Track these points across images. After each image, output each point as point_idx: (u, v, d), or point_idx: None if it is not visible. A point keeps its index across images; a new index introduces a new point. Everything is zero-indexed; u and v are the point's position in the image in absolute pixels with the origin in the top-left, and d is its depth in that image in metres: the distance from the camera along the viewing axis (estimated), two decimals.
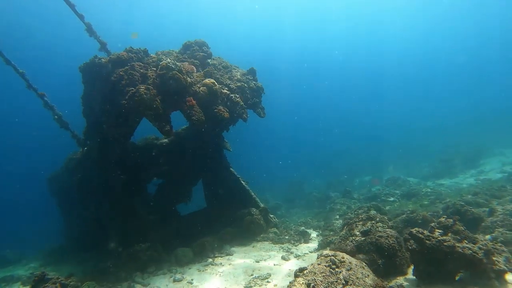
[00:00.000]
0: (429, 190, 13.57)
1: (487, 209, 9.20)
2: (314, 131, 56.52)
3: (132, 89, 7.87)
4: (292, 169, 35.29)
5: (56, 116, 10.70)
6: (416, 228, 6.09)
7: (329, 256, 5.29)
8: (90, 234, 12.16)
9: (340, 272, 4.98)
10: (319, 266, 5.17)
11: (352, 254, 6.80)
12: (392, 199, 13.29)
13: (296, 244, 9.63)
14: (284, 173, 32.93)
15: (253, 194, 12.20)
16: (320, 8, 53.22)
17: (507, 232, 7.44)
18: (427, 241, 5.78)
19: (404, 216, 8.85)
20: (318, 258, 5.50)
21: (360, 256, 6.61)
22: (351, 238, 7.16)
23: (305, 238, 9.91)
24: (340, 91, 66.47)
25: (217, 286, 6.98)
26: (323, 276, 4.89)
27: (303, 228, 12.00)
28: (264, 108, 11.22)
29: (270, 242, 9.85)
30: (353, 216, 8.90)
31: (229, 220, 10.84)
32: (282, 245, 9.52)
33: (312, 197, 19.52)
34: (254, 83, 10.97)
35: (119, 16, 45.24)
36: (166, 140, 12.73)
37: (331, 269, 5.03)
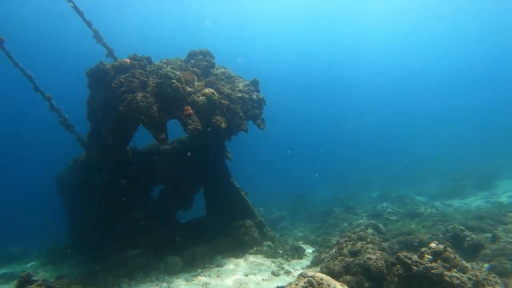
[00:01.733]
0: (434, 210, 13.14)
1: (490, 235, 8.83)
2: (325, 144, 56.03)
3: (130, 96, 7.97)
4: (301, 181, 35.02)
5: (61, 119, 10.95)
6: (404, 252, 5.89)
7: (308, 277, 5.14)
8: (89, 235, 12.28)
9: None
10: (296, 286, 5.03)
11: (339, 275, 6.61)
12: (394, 218, 12.91)
13: (289, 259, 9.46)
14: (293, 184, 32.67)
15: (251, 205, 12.11)
16: (343, 13, 52.89)
17: (507, 261, 7.10)
18: (414, 267, 5.57)
19: (401, 237, 8.57)
20: (297, 277, 5.36)
21: (347, 277, 6.40)
22: (339, 258, 6.95)
23: (299, 253, 9.73)
24: (356, 104, 65.81)
25: None
26: None
27: (300, 242, 11.84)
28: (264, 120, 11.17)
29: (263, 256, 9.70)
30: (348, 233, 8.69)
31: (225, 231, 10.75)
32: (275, 260, 9.37)
33: (316, 210, 19.25)
34: (256, 95, 10.96)
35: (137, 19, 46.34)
36: (168, 147, 12.84)
37: None
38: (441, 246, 5.90)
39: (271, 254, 9.72)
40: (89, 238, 12.19)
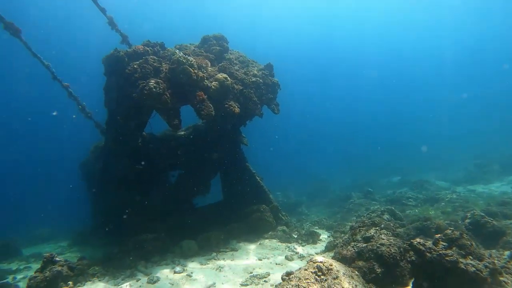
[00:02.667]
0: (454, 196, 12.77)
1: None
2: (348, 129, 55.14)
3: (143, 83, 8.03)
4: (321, 167, 34.83)
5: (80, 106, 11.21)
6: (418, 239, 5.75)
7: (317, 262, 5.12)
8: (110, 219, 12.71)
9: (325, 280, 4.81)
10: (305, 272, 5.02)
11: (352, 260, 6.57)
12: (413, 203, 12.64)
13: (304, 244, 9.47)
14: (312, 170, 32.54)
15: (267, 190, 12.13)
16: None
17: None
18: (427, 254, 5.43)
19: (417, 223, 8.39)
20: (307, 263, 5.36)
21: (360, 263, 6.36)
22: (352, 243, 6.89)
23: (314, 238, 9.71)
24: (379, 89, 64.08)
25: (214, 281, 7.03)
26: (307, 282, 4.76)
27: (316, 227, 11.82)
28: (278, 104, 11.05)
29: (278, 241, 9.75)
30: (363, 219, 8.59)
31: (240, 215, 10.86)
32: (289, 245, 9.40)
33: (334, 196, 19.15)
34: (270, 79, 10.81)
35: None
36: (184, 132, 12.96)
37: (316, 276, 4.88)
38: (457, 233, 5.72)
39: (285, 239, 9.76)
40: (110, 222, 12.64)
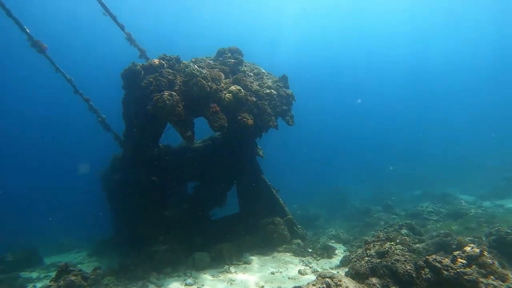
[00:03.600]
0: (479, 211, 12.16)
1: None
2: (369, 140, 54.12)
3: (158, 95, 8.20)
4: (341, 178, 34.22)
5: (99, 119, 11.56)
6: (434, 255, 5.49)
7: (326, 277, 4.98)
8: (128, 230, 12.90)
9: None
10: (313, 287, 4.88)
11: (365, 276, 6.34)
12: (435, 218, 12.12)
13: (318, 258, 9.25)
14: (333, 181, 31.99)
15: (282, 203, 12.00)
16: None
17: None
18: (444, 272, 5.18)
19: (437, 239, 8.03)
20: (316, 278, 5.21)
21: (373, 279, 6.11)
22: (366, 258, 6.65)
23: (329, 252, 9.48)
24: (401, 99, 62.81)
25: None
26: None
27: (332, 241, 11.57)
28: (293, 116, 10.99)
29: (292, 254, 9.57)
30: (378, 233, 8.31)
31: (254, 228, 10.76)
32: (303, 258, 9.21)
33: (354, 209, 18.70)
34: (284, 90, 10.80)
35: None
36: (201, 144, 13.09)
37: None
38: (477, 250, 5.42)
39: (300, 253, 9.57)
40: (128, 233, 12.82)
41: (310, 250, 9.74)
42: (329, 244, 10.57)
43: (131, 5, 41.36)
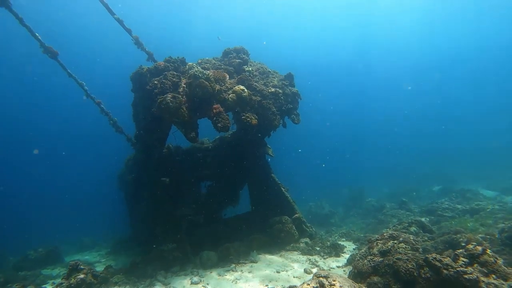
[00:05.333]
0: (497, 207, 11.70)
1: None
2: (389, 136, 53.02)
3: (162, 97, 8.35)
4: (359, 175, 33.77)
5: (111, 121, 11.89)
6: (434, 254, 5.36)
7: (320, 277, 4.96)
8: (142, 229, 13.24)
9: None
10: (307, 286, 4.89)
11: (367, 275, 6.28)
12: (450, 214, 11.76)
13: (326, 257, 9.19)
14: (350, 179, 31.62)
15: (292, 201, 11.96)
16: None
17: None
18: (444, 271, 5.06)
19: (446, 236, 7.81)
20: (312, 277, 5.20)
21: (375, 278, 6.05)
22: (369, 257, 6.57)
23: (337, 251, 9.39)
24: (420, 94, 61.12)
25: None
26: None
27: (343, 239, 11.48)
28: (299, 114, 10.92)
29: (299, 253, 9.55)
30: (384, 232, 8.17)
31: (263, 227, 10.81)
32: (311, 257, 9.17)
33: (369, 206, 18.41)
34: (289, 89, 10.75)
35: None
36: (211, 144, 13.24)
37: None
38: (479, 248, 5.26)
39: (307, 251, 9.53)
40: (142, 232, 13.16)
41: (318, 249, 9.68)
42: (339, 242, 10.48)
43: (145, 7, 42.23)
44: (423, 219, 11.11)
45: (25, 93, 46.36)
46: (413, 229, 8.74)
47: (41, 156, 44.58)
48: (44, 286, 10.22)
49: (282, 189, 12.29)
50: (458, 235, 7.58)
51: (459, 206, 12.37)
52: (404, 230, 8.72)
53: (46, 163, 43.69)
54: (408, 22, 52.62)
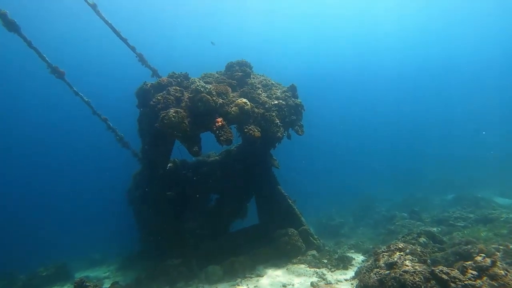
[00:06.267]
0: (511, 215, 11.34)
1: None
2: (398, 143, 52.29)
3: (164, 113, 8.44)
4: (369, 184, 33.26)
5: (117, 137, 12.06)
6: (441, 266, 5.19)
7: None
8: (150, 244, 13.22)
9: None
10: None
11: None
12: (462, 224, 11.42)
13: (333, 270, 9.00)
14: (360, 188, 31.15)
15: (298, 213, 11.83)
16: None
17: None
18: (451, 284, 4.90)
19: (457, 247, 7.57)
20: None
21: None
22: (375, 270, 6.40)
23: (345, 263, 9.19)
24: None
25: None
26: None
27: (352, 251, 11.27)
28: (302, 125, 10.88)
29: (306, 266, 9.37)
30: (391, 244, 7.97)
31: (269, 239, 10.67)
32: (318, 270, 8.99)
33: (380, 216, 18.06)
34: (293, 100, 10.75)
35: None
36: (217, 157, 13.27)
37: None
38: (489, 260, 5.08)
39: (314, 264, 9.35)
40: (150, 247, 13.14)
41: (325, 261, 9.49)
42: (348, 254, 10.27)
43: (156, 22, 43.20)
44: (434, 229, 10.87)
45: (35, 108, 47.63)
46: (422, 240, 8.50)
47: (49, 171, 45.39)
48: None
49: (289, 201, 12.17)
50: (469, 246, 7.34)
51: (471, 215, 12.02)
52: (413, 241, 8.48)
53: (54, 178, 44.40)
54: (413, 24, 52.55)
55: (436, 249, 8.19)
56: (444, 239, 9.30)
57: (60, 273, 14.01)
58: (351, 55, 61.37)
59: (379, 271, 6.29)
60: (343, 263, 9.20)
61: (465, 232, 10.64)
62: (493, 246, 7.76)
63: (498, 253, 7.43)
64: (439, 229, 11.46)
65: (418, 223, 13.16)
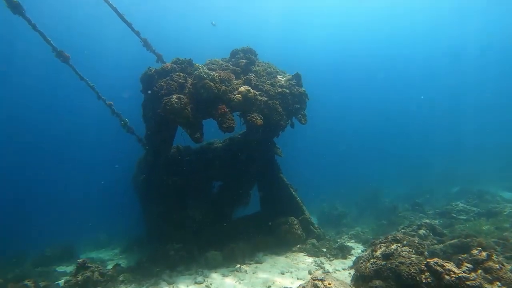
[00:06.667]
0: None
1: None
2: (403, 134, 51.84)
3: (166, 99, 8.45)
4: (375, 174, 33.18)
5: (122, 122, 12.10)
6: (436, 259, 5.19)
7: (316, 280, 4.90)
8: (154, 229, 13.42)
9: None
10: None
11: (369, 278, 6.16)
12: (464, 217, 11.35)
13: (332, 259, 9.06)
14: (366, 178, 31.07)
15: (300, 202, 11.86)
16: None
17: None
18: (445, 276, 4.89)
19: (456, 240, 7.55)
20: (309, 280, 5.14)
21: (377, 282, 5.93)
22: (372, 260, 6.43)
23: (344, 253, 9.25)
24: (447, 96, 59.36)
25: None
26: None
27: (352, 241, 11.32)
28: (306, 114, 10.80)
29: (305, 254, 9.46)
30: (398, 233, 7.98)
31: (269, 227, 10.76)
32: (317, 259, 9.06)
33: (383, 207, 18.03)
34: (297, 89, 10.65)
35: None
36: (221, 144, 13.29)
37: None
38: (484, 254, 5.06)
39: (313, 253, 9.43)
40: (153, 231, 13.34)
41: (324, 250, 9.56)
42: (348, 244, 10.34)
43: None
44: (436, 222, 10.84)
45: (36, 95, 48.00)
46: (422, 231, 8.50)
47: (59, 155, 46.09)
48: (57, 282, 10.51)
49: (291, 189, 12.21)
50: (469, 239, 7.31)
51: (474, 209, 11.93)
52: (412, 233, 8.49)
53: (64, 162, 45.09)
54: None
55: (436, 242, 8.17)
56: (445, 231, 9.28)
57: (66, 254, 14.34)
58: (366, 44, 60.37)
59: (376, 261, 6.33)
60: (342, 252, 9.26)
61: (467, 225, 10.59)
62: (493, 240, 7.73)
63: (497, 247, 7.41)
64: (441, 221, 11.43)
65: (421, 215, 13.13)
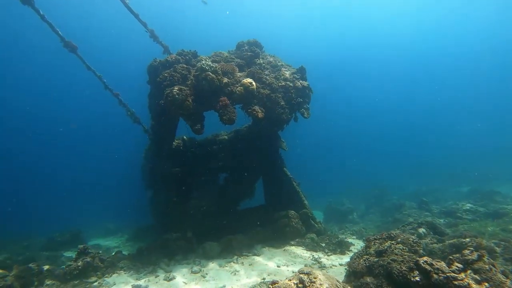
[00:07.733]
0: None
1: None
2: (414, 133, 50.88)
3: (168, 90, 8.53)
4: (385, 172, 32.80)
5: (129, 112, 12.29)
6: (426, 257, 5.12)
7: (302, 273, 4.90)
8: (158, 217, 13.67)
9: None
10: (288, 282, 4.86)
11: (361, 275, 6.14)
12: (470, 217, 11.11)
13: (330, 254, 9.04)
14: (375, 175, 30.78)
15: (302, 196, 11.85)
16: None
17: None
18: (434, 275, 4.82)
19: (455, 239, 7.42)
20: (295, 273, 5.15)
21: (368, 278, 5.90)
22: (365, 256, 6.40)
23: (342, 248, 9.21)
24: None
25: (224, 283, 7.14)
26: None
27: (354, 237, 11.27)
28: (309, 108, 10.70)
29: (304, 248, 9.46)
30: (398, 231, 7.89)
31: (269, 220, 10.79)
32: (314, 253, 9.05)
33: (390, 204, 17.85)
34: (300, 82, 10.55)
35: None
36: (226, 137, 13.34)
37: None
38: (475, 254, 4.96)
39: (312, 247, 9.43)
40: (157, 220, 13.59)
41: (323, 245, 9.54)
42: (348, 240, 10.29)
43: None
44: (440, 221, 10.67)
45: (45, 87, 49.06)
46: (422, 230, 8.36)
47: (71, 145, 47.21)
48: (62, 267, 10.86)
49: (294, 183, 12.19)
50: (468, 239, 7.17)
51: (481, 209, 11.65)
52: (412, 231, 8.38)
53: (77, 152, 46.20)
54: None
55: (436, 241, 8.05)
56: (448, 231, 9.12)
57: (75, 239, 14.76)
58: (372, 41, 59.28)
59: (369, 258, 6.29)
60: (340, 248, 9.23)
61: (472, 225, 10.38)
62: (494, 241, 7.56)
63: (497, 248, 7.25)
64: (446, 220, 11.23)
65: (426, 213, 12.92)
